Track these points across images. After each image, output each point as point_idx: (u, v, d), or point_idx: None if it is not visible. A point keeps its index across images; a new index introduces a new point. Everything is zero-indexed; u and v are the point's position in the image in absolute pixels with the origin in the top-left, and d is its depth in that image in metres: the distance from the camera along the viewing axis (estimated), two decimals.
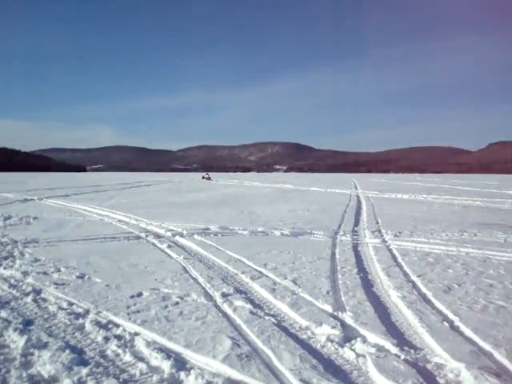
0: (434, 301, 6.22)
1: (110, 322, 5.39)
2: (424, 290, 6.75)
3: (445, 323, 5.32)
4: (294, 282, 7.09)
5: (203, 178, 69.98)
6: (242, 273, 7.65)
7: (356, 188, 42.20)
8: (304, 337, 4.98)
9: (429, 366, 4.27)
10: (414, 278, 7.46)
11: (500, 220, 15.82)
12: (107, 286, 6.93)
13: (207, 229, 12.64)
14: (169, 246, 10.00)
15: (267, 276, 7.48)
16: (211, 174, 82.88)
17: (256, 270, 7.85)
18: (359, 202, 23.83)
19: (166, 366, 4.22)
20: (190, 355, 4.48)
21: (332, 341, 4.82)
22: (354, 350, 4.58)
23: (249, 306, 5.89)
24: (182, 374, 4.08)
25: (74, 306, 5.93)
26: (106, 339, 4.87)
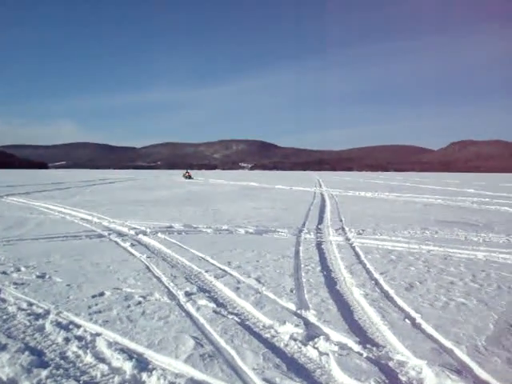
0: (396, 298, 6.28)
1: (70, 322, 5.28)
2: (386, 287, 6.82)
3: (407, 320, 5.38)
4: (258, 280, 7.09)
5: (184, 176, 65.60)
6: (206, 271, 7.60)
7: (320, 186, 42.46)
8: (267, 336, 4.96)
9: (391, 364, 4.31)
10: (376, 275, 7.53)
11: (461, 218, 16.10)
12: (68, 285, 6.80)
13: (171, 227, 12.54)
14: (132, 245, 9.88)
15: (231, 274, 7.45)
16: (191, 172, 75.81)
17: (220, 269, 7.82)
18: (323, 200, 23.97)
19: (128, 366, 4.15)
20: (152, 356, 4.43)
21: (295, 339, 4.82)
22: (317, 349, 4.58)
23: (212, 305, 5.85)
24: (144, 375, 4.02)
25: (34, 307, 5.80)
26: (67, 340, 4.77)
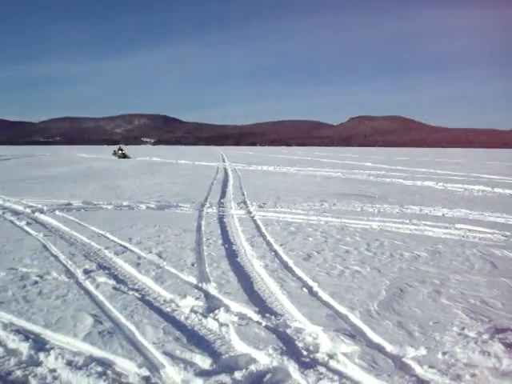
0: (294, 268, 6.46)
1: None
2: (285, 258, 6.99)
3: (304, 289, 5.55)
4: (159, 255, 7.05)
5: (115, 153, 50.92)
6: (106, 248, 7.47)
7: (223, 160, 42.63)
8: (168, 310, 4.97)
9: (288, 331, 4.44)
10: (276, 247, 7.70)
11: (358, 190, 16.73)
12: None
13: (69, 204, 12.18)
14: (28, 224, 9.51)
15: (132, 250, 7.37)
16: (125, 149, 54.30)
17: (120, 245, 7.71)
18: (226, 175, 24.11)
19: (24, 347, 4.02)
20: (49, 335, 4.32)
21: (196, 312, 4.86)
22: (217, 320, 4.64)
23: (112, 282, 5.78)
24: (42, 355, 3.92)
25: None
26: None
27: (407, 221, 10.10)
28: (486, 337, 4.19)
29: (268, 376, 3.63)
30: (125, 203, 12.52)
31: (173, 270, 6.30)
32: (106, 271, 6.25)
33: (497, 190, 17.21)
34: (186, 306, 5.03)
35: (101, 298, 5.27)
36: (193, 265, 6.54)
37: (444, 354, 3.90)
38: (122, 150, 50.64)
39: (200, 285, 5.71)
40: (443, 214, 11.17)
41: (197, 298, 5.21)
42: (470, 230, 9.15)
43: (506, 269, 6.53)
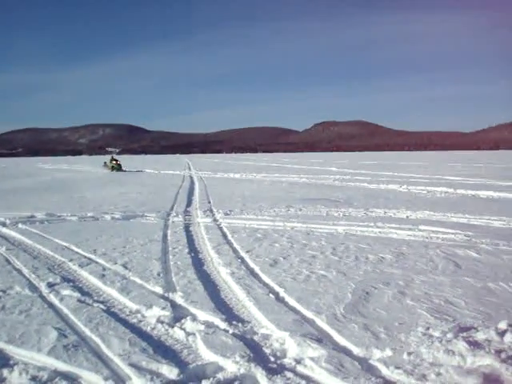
0: (261, 275, 6.47)
1: None
2: (252, 265, 7.00)
3: (271, 295, 5.56)
4: (125, 266, 6.99)
5: (106, 165, 43.13)
6: (70, 260, 7.36)
7: (190, 169, 42.52)
8: (134, 321, 4.93)
9: (255, 338, 4.44)
10: (242, 254, 7.71)
11: (323, 195, 16.85)
12: None
13: (33, 216, 11.97)
14: None
15: (96, 262, 7.28)
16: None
17: (85, 257, 7.61)
18: (192, 183, 24.04)
19: None
20: (13, 351, 4.23)
21: (162, 322, 4.83)
22: (184, 329, 4.62)
23: (77, 295, 5.70)
24: (5, 371, 3.84)
25: None
26: None
27: (372, 224, 10.22)
28: (450, 336, 4.26)
29: (235, 383, 3.63)
30: (89, 214, 12.36)
31: (138, 281, 6.25)
32: (71, 284, 6.16)
33: (459, 191, 17.53)
34: (152, 317, 4.99)
35: (65, 311, 5.19)
36: (159, 275, 6.50)
37: (409, 354, 3.95)
38: (116, 160, 41.27)
39: (166, 294, 5.68)
40: (407, 216, 11.32)
41: (163, 308, 5.17)
42: (433, 231, 9.30)
43: (469, 268, 6.66)
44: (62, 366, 3.92)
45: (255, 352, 4.11)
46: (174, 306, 5.31)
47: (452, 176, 25.41)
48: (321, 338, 4.34)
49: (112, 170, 39.01)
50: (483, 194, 16.60)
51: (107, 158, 52.80)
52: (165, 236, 9.28)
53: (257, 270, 6.72)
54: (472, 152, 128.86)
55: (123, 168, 39.92)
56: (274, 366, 3.89)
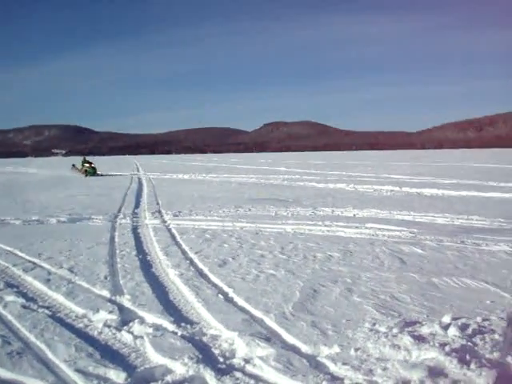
0: (209, 275, 6.46)
1: None
2: (201, 265, 6.97)
3: (219, 296, 5.55)
4: (71, 270, 6.84)
5: (75, 167, 37.62)
6: (14, 265, 7.16)
7: (138, 170, 42.07)
8: (80, 325, 4.83)
9: (204, 339, 4.43)
10: (191, 255, 7.66)
11: (272, 195, 16.94)
12: None
13: None
14: None
15: (41, 266, 7.10)
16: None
17: (29, 262, 7.41)
18: (141, 184, 23.76)
19: None
20: None
21: (109, 326, 4.75)
22: (131, 333, 4.56)
23: (21, 300, 5.56)
24: None
25: None
26: None
27: (320, 223, 10.33)
28: (396, 331, 4.34)
29: None
30: (34, 218, 12.06)
31: (85, 285, 6.13)
32: (15, 289, 6.00)
33: (404, 189, 17.93)
34: (99, 321, 4.91)
35: (9, 317, 5.05)
36: (106, 278, 6.40)
37: (356, 350, 4.01)
38: (89, 162, 34.53)
39: (113, 298, 5.59)
40: (354, 215, 11.50)
41: (110, 312, 5.09)
42: (379, 229, 9.48)
43: (414, 264, 6.81)
44: (6, 374, 3.82)
45: (204, 353, 4.09)
46: (122, 309, 5.24)
47: (398, 175, 25.96)
48: (269, 337, 4.36)
49: (86, 175, 32.68)
50: (428, 191, 17.05)
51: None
52: (112, 238, 9.13)
53: (206, 270, 6.70)
54: (417, 151, 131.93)
55: (98, 172, 34.01)
56: (223, 366, 3.88)
